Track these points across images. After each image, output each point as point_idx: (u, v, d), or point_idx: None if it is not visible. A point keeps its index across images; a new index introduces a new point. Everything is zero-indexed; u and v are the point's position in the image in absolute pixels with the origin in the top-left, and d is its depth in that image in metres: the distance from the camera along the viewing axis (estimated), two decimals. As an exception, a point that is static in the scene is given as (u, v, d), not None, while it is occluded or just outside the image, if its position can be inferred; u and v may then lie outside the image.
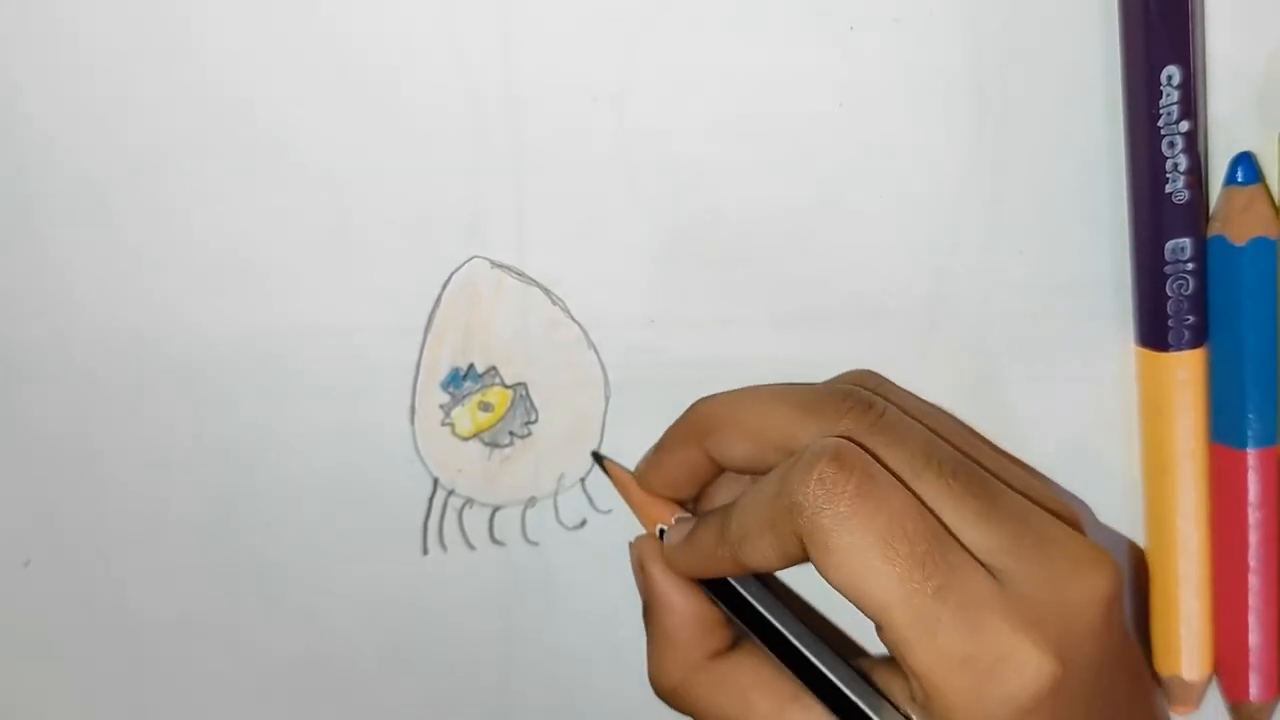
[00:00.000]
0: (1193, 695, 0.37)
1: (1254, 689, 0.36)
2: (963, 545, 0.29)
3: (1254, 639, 0.36)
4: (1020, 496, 0.31)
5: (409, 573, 0.37)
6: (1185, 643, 0.36)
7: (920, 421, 0.32)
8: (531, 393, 0.37)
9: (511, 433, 0.37)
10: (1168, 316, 0.35)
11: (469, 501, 0.37)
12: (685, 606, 0.33)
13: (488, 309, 0.36)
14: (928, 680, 0.29)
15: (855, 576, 0.28)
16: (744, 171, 0.35)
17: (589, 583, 0.37)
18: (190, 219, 0.36)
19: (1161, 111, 0.33)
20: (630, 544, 0.35)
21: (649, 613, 0.34)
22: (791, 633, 0.32)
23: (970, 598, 0.28)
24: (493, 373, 0.36)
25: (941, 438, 0.31)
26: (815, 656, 0.31)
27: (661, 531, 0.34)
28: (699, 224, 0.36)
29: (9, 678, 0.38)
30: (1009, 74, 0.35)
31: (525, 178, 0.35)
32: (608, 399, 0.36)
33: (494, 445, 0.37)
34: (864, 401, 0.31)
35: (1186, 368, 0.35)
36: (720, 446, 0.33)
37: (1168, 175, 0.34)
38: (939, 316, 0.36)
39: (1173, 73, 0.33)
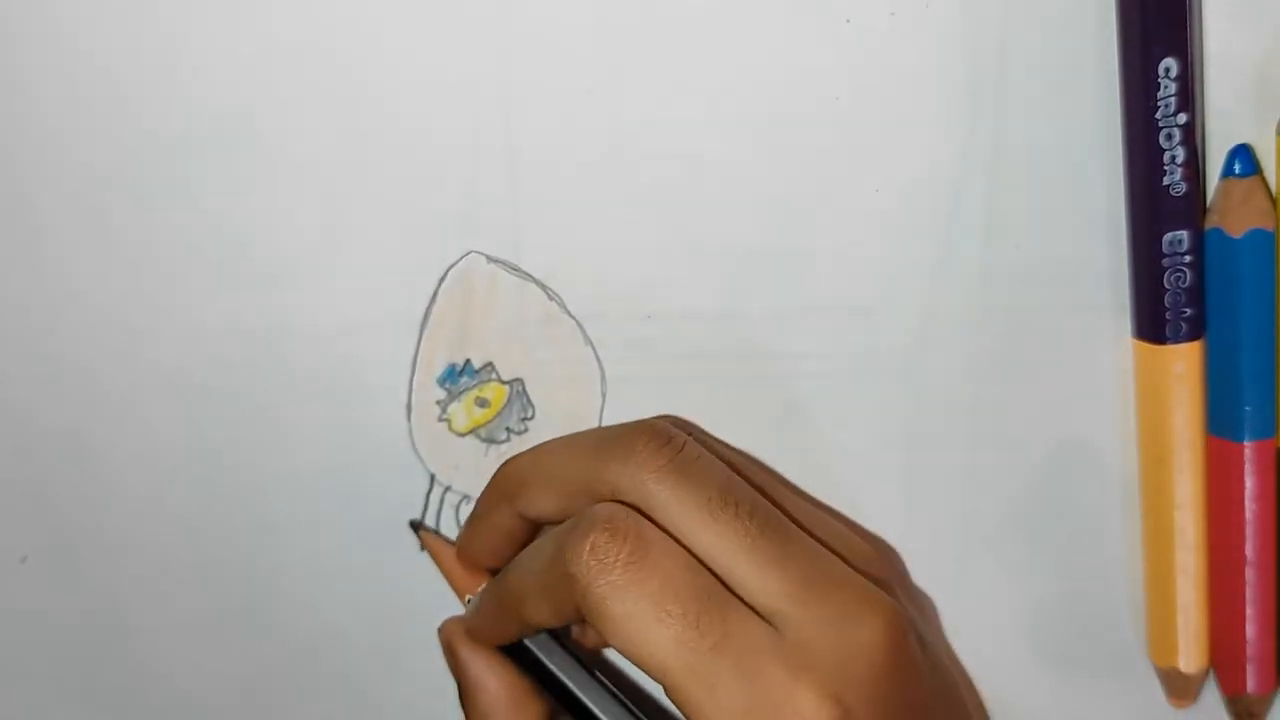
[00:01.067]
0: (1190, 688, 0.37)
1: (1251, 681, 0.36)
2: (745, 593, 0.29)
3: (1251, 631, 0.36)
4: (812, 541, 0.31)
5: (406, 569, 0.37)
6: (1182, 635, 0.36)
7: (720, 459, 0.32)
8: (528, 388, 0.37)
9: (508, 429, 0.37)
10: (1165, 309, 0.34)
11: (465, 498, 0.37)
12: (497, 685, 0.33)
13: (484, 304, 0.36)
14: None
15: (633, 643, 0.29)
16: (740, 165, 0.35)
17: (586, 578, 0.37)
18: (185, 216, 0.36)
19: (1159, 104, 0.33)
20: (438, 630, 0.35)
21: (462, 694, 0.34)
22: (594, 703, 0.32)
23: (747, 648, 0.29)
24: (489, 368, 0.36)
25: (742, 476, 0.31)
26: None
27: (470, 600, 0.35)
28: (695, 218, 0.35)
29: (6, 674, 0.38)
30: (1005, 66, 0.35)
31: (521, 173, 0.35)
32: (604, 394, 0.36)
33: (490, 441, 0.37)
34: (662, 436, 0.31)
35: (1184, 360, 0.35)
36: (528, 504, 0.33)
37: (1165, 168, 0.34)
38: (935, 310, 0.36)
39: (1170, 65, 0.33)
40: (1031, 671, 0.38)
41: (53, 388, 0.37)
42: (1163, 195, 0.34)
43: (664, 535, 0.30)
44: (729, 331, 0.36)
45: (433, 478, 0.37)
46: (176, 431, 0.37)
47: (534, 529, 0.34)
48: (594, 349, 0.36)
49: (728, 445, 0.36)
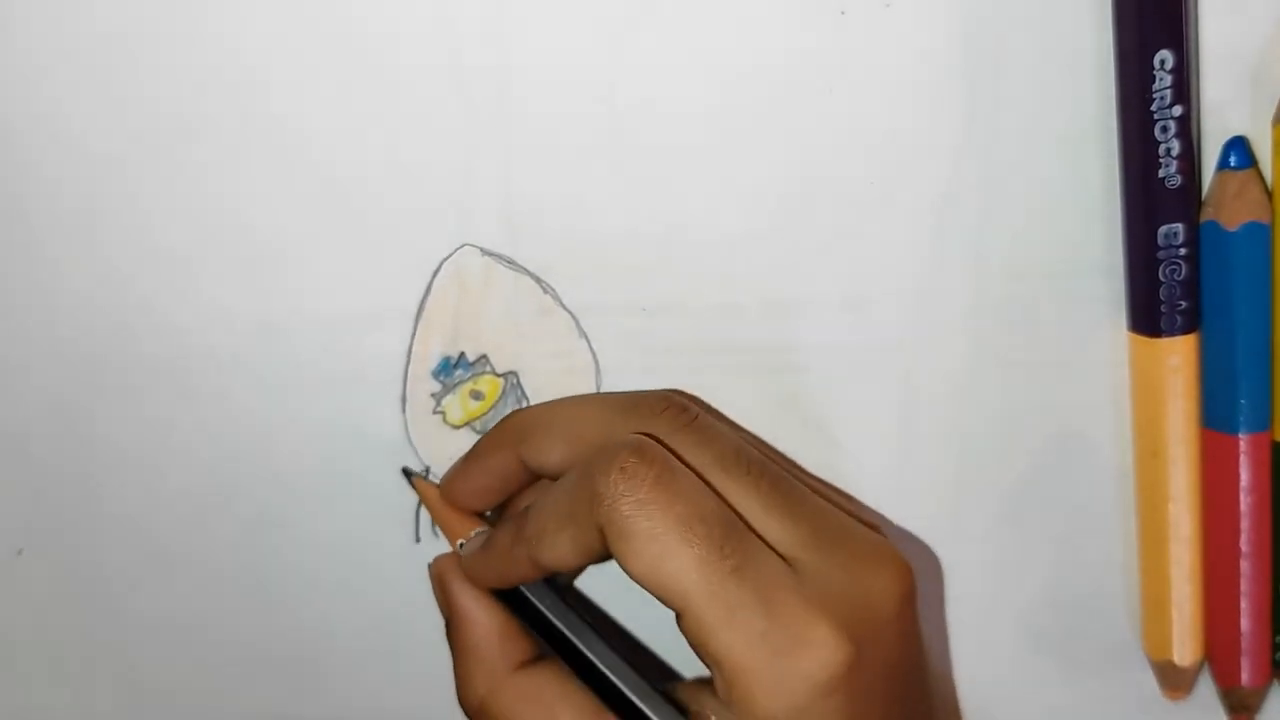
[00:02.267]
0: (1185, 680, 0.37)
1: (1245, 674, 0.36)
2: (761, 538, 0.30)
3: (1245, 624, 0.36)
4: (819, 498, 0.32)
5: (402, 560, 0.37)
6: (1177, 628, 0.36)
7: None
8: (523, 381, 0.37)
9: (503, 421, 0.37)
10: (1160, 302, 0.34)
11: (461, 489, 0.37)
12: (487, 619, 0.33)
13: (478, 297, 0.36)
14: (728, 661, 0.29)
15: (655, 561, 0.29)
16: (735, 157, 0.35)
17: (581, 569, 0.37)
18: (179, 210, 0.36)
19: (1154, 96, 0.33)
20: (429, 565, 0.35)
21: (451, 629, 0.34)
22: (588, 648, 0.32)
23: (768, 579, 0.29)
24: (484, 361, 0.36)
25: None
26: (611, 671, 0.32)
27: (462, 544, 0.35)
28: (689, 210, 0.35)
29: (3, 666, 0.39)
30: (1001, 59, 0.34)
31: (515, 164, 0.35)
32: (599, 387, 0.36)
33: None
34: (679, 404, 0.32)
35: (1179, 353, 0.35)
36: (535, 451, 0.33)
37: (1160, 160, 0.34)
38: (930, 302, 0.36)
39: (1166, 57, 0.33)
40: (1026, 664, 0.38)
41: (47, 381, 0.37)
42: (1158, 188, 0.34)
43: (689, 470, 0.30)
44: (723, 324, 0.36)
45: (428, 470, 0.37)
46: (171, 424, 0.37)
47: (529, 479, 0.34)
48: (588, 342, 0.36)
49: (735, 424, 0.36)
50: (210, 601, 0.38)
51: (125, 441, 0.37)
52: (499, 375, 0.37)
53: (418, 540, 0.37)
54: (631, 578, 0.29)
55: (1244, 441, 0.35)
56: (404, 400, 0.37)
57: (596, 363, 0.36)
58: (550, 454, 0.33)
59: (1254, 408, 0.35)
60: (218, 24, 0.35)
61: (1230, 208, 0.34)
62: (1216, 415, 0.35)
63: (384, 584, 0.38)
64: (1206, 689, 0.37)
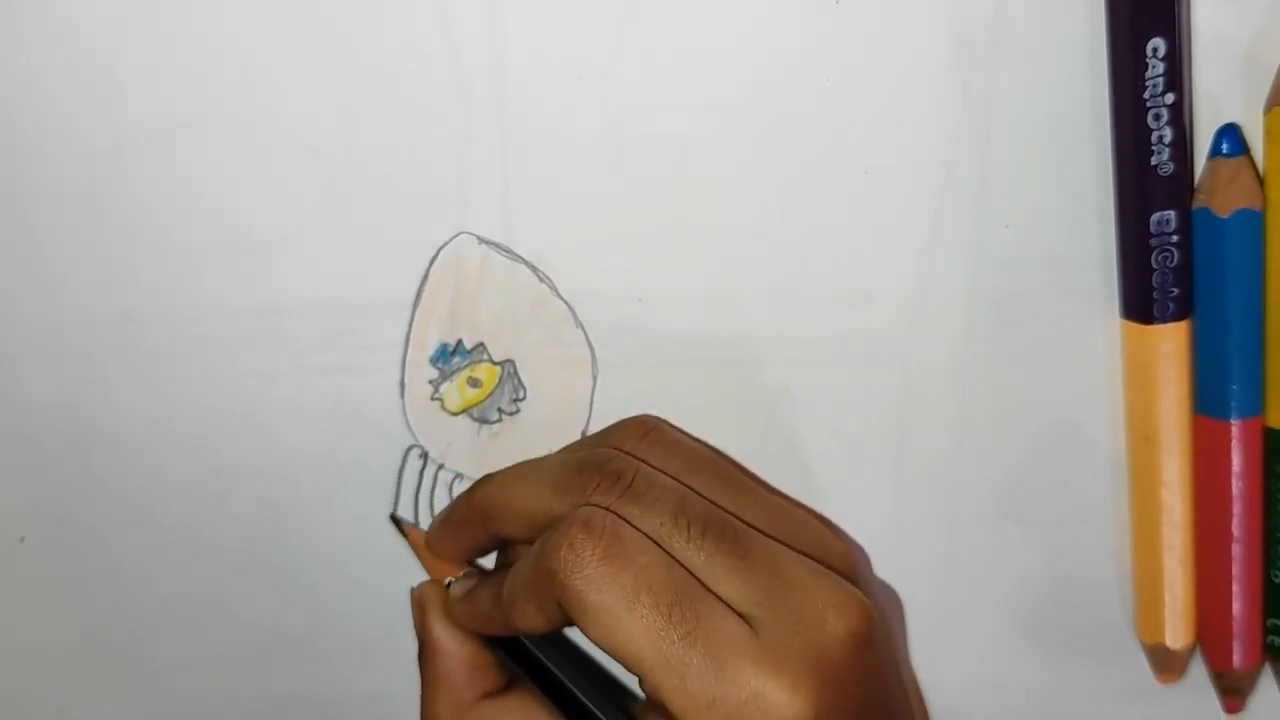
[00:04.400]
0: (1177, 664, 0.37)
1: (1237, 657, 0.36)
2: (718, 597, 0.30)
3: (1237, 608, 0.36)
4: (774, 545, 0.32)
5: (401, 544, 0.38)
6: (1169, 612, 0.36)
7: (679, 478, 0.33)
8: (519, 370, 0.37)
9: (500, 409, 0.37)
10: (1153, 289, 0.35)
11: (459, 476, 0.37)
12: (459, 650, 0.34)
13: (474, 285, 0.36)
14: None
15: (609, 632, 0.30)
16: (731, 147, 0.35)
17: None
18: (178, 198, 0.36)
19: (1147, 84, 0.33)
20: (412, 589, 0.36)
21: (423, 655, 0.35)
22: (563, 674, 0.33)
23: (719, 642, 0.30)
24: (481, 349, 0.37)
25: (700, 492, 0.32)
26: (585, 697, 0.33)
27: (450, 582, 0.36)
28: (686, 201, 0.36)
29: (4, 653, 0.39)
30: (994, 48, 0.34)
31: (512, 154, 0.35)
32: (595, 377, 0.37)
33: (483, 421, 0.37)
34: (612, 474, 0.32)
35: (1171, 340, 0.35)
36: (500, 529, 0.34)
37: (1153, 148, 0.34)
38: (926, 291, 0.36)
39: (1158, 45, 0.33)
40: (1020, 649, 0.38)
41: (48, 369, 0.37)
42: (1151, 175, 0.34)
43: (640, 535, 0.31)
44: (720, 315, 0.36)
45: (426, 455, 0.37)
46: (171, 411, 0.37)
47: (503, 541, 0.35)
48: (585, 332, 0.36)
49: (694, 438, 0.36)
50: (211, 587, 0.38)
51: (126, 429, 0.37)
52: (496, 363, 0.37)
53: (416, 525, 0.38)
54: (593, 644, 0.30)
55: (1236, 427, 0.35)
56: (402, 386, 0.37)
57: (593, 353, 0.36)
58: (511, 532, 0.34)
59: (1246, 393, 0.35)
60: (216, 15, 0.35)
61: (1222, 195, 0.34)
62: (1209, 401, 0.35)
63: (384, 568, 0.38)
64: (1199, 672, 0.38)
